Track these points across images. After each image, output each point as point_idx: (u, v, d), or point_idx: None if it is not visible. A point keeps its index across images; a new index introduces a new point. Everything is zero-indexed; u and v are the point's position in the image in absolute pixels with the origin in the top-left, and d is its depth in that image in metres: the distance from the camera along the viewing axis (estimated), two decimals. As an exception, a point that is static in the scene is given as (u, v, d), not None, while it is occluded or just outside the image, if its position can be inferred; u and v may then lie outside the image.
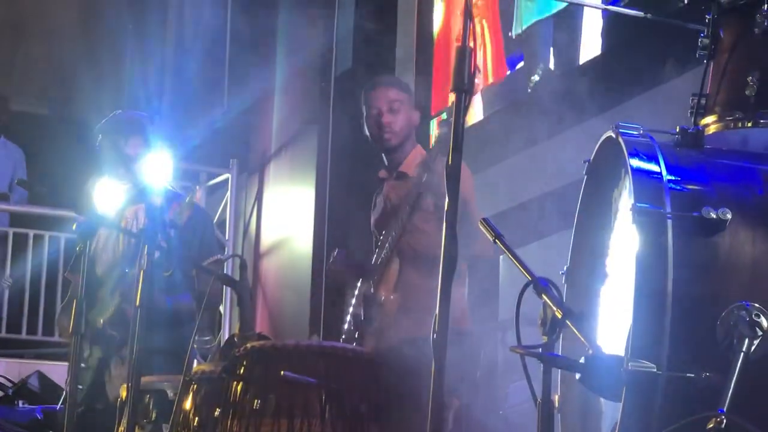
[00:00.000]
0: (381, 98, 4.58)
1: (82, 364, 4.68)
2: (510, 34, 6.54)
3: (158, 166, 4.98)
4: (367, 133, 4.63)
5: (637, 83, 5.18)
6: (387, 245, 4.38)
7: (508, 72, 6.65)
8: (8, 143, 9.82)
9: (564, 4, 5.98)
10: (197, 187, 4.81)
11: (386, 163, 4.62)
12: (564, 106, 5.64)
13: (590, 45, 5.92)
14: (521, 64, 6.51)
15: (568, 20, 6.06)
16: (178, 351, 4.55)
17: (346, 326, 4.48)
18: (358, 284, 4.51)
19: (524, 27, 6.36)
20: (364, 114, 4.62)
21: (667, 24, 4.55)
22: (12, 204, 9.49)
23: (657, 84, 5.03)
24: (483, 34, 6.52)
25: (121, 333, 4.62)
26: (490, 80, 6.65)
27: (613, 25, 5.62)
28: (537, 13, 6.26)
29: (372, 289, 4.40)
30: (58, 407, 5.98)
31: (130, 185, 4.81)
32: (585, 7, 5.91)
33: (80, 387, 4.65)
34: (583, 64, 5.86)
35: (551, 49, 6.23)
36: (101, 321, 4.75)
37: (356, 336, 4.37)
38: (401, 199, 4.44)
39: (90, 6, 11.31)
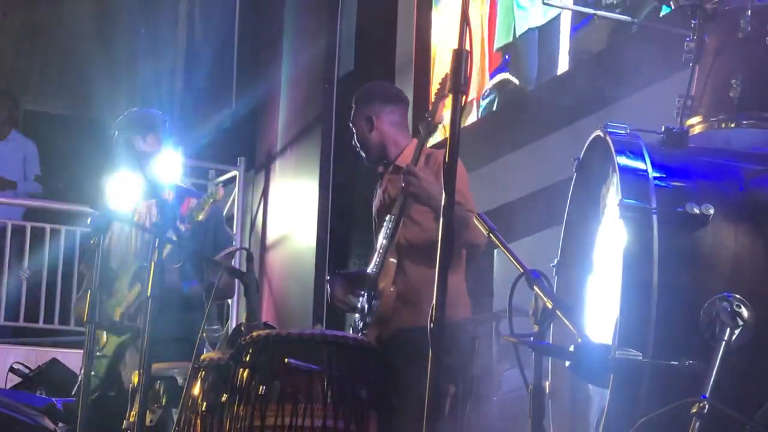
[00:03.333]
0: (350, 123, 4.58)
1: (98, 353, 4.68)
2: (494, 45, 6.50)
3: (169, 164, 4.98)
4: None
5: (625, 85, 5.18)
6: (385, 237, 4.38)
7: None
8: (20, 136, 9.83)
9: (551, 17, 5.96)
10: (220, 186, 4.79)
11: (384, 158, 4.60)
12: (554, 108, 5.64)
13: (573, 53, 5.88)
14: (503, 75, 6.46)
15: (551, 30, 6.03)
16: (189, 337, 4.55)
17: (355, 321, 4.48)
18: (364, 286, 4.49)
19: (517, 35, 6.32)
20: None
21: (655, 29, 4.56)
22: (27, 198, 9.50)
23: (645, 86, 5.03)
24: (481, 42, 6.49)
25: (137, 322, 4.63)
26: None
27: (599, 32, 5.61)
28: (530, 21, 6.23)
29: (373, 282, 4.39)
30: (72, 395, 5.98)
31: (143, 181, 4.80)
32: (561, 21, 5.88)
33: (94, 375, 4.66)
34: (571, 68, 5.84)
35: (537, 57, 6.19)
36: (119, 312, 4.75)
37: (361, 327, 4.37)
38: (398, 192, 4.42)
39: (105, 10, 11.31)
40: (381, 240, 4.37)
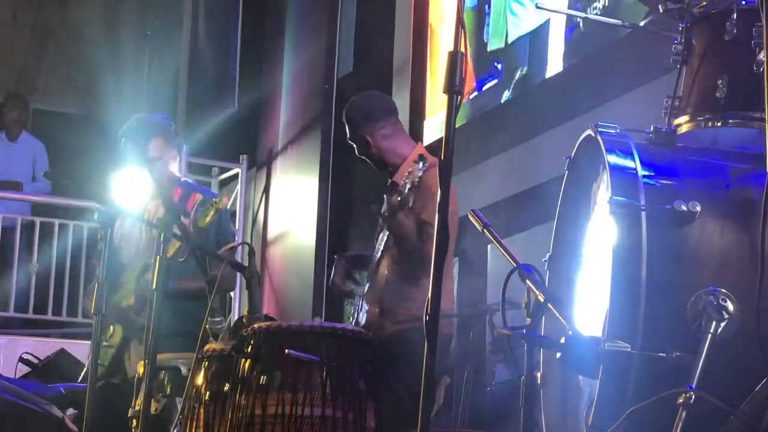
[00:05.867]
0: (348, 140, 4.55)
1: (105, 342, 4.67)
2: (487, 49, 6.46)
3: (176, 164, 4.98)
4: None
5: (615, 87, 5.18)
6: (378, 251, 4.34)
7: (475, 93, 6.56)
8: (29, 137, 9.82)
9: (543, 22, 5.94)
10: (224, 195, 4.78)
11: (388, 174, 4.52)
12: (547, 108, 5.63)
13: (559, 58, 5.86)
14: (492, 83, 6.43)
15: (541, 35, 6.01)
16: (192, 330, 4.53)
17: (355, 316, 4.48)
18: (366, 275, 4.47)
19: (509, 42, 6.29)
20: None
21: (644, 32, 4.55)
22: (38, 195, 9.50)
23: (634, 87, 5.03)
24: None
25: (142, 315, 4.62)
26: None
27: (589, 35, 5.61)
28: (522, 27, 6.19)
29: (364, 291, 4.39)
30: (79, 382, 5.98)
31: (151, 182, 4.79)
32: (551, 26, 5.87)
33: (101, 363, 4.65)
34: (563, 70, 5.82)
35: (527, 61, 6.17)
36: (127, 305, 4.74)
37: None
38: (393, 209, 4.35)
39: (112, 12, 11.30)
40: (376, 252, 4.36)
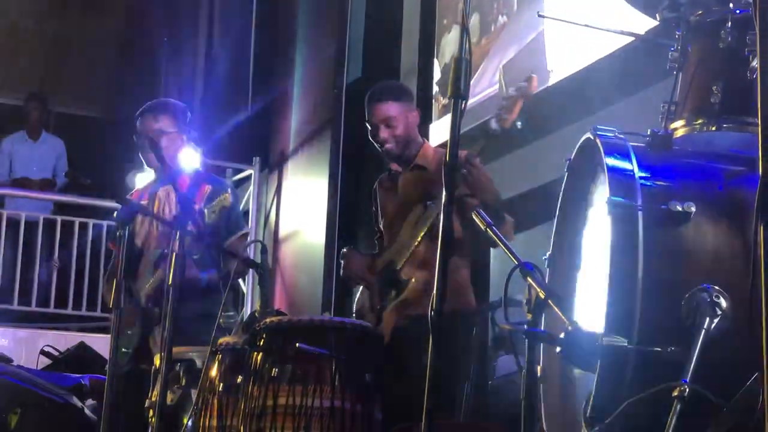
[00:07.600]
0: (376, 115, 4.38)
1: (129, 331, 4.69)
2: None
3: (188, 152, 4.96)
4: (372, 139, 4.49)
5: (614, 92, 5.18)
6: (416, 229, 4.24)
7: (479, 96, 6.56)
8: (49, 137, 9.87)
9: (534, 33, 5.94)
10: (228, 194, 4.78)
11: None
12: (548, 113, 5.63)
13: (558, 66, 5.85)
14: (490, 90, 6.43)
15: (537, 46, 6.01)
16: (210, 314, 4.52)
17: (361, 306, 4.45)
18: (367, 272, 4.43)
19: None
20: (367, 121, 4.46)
21: (641, 40, 4.55)
22: (58, 194, 9.53)
23: (632, 93, 5.03)
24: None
25: (162, 306, 4.62)
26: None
27: (590, 41, 5.61)
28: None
29: (397, 268, 4.29)
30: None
31: (161, 167, 4.77)
32: (546, 36, 5.87)
33: (125, 350, 4.66)
34: (565, 77, 5.82)
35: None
36: (144, 295, 4.74)
37: (378, 311, 4.30)
38: (424, 189, 4.28)
39: (129, 19, 11.32)
40: (409, 230, 4.28)
